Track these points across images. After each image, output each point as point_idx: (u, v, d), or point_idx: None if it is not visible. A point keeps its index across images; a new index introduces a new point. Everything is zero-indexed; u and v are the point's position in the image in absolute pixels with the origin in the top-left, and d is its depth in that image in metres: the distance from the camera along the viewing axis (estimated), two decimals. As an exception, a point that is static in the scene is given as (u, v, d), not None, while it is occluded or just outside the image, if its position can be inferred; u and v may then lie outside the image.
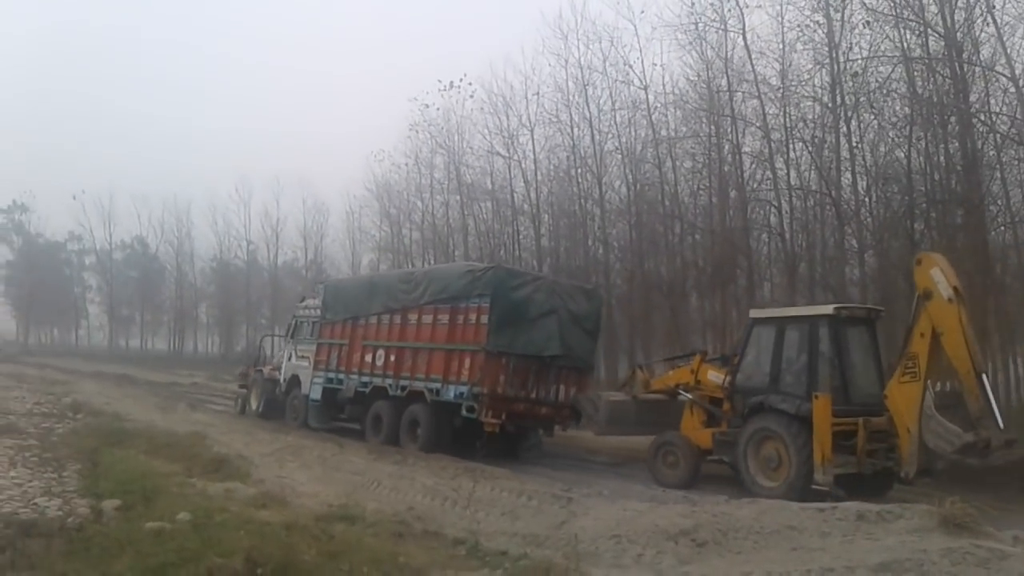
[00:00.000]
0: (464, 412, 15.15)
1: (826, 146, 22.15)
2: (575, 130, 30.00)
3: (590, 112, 29.25)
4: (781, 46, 22.74)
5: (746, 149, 24.74)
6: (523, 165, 33.00)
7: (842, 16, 20.98)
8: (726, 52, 24.23)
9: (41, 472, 11.35)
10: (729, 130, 24.73)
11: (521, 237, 33.89)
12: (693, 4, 24.43)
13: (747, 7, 23.43)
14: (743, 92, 24.28)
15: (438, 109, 36.95)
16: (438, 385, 15.78)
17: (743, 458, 12.09)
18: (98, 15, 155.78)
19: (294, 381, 20.81)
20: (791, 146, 22.96)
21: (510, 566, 7.33)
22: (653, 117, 27.28)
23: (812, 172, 22.77)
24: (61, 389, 28.53)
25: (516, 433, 16.12)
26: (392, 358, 17.16)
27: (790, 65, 22.63)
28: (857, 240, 20.92)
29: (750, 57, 23.56)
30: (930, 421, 10.91)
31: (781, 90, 22.75)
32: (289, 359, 21.43)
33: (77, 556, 6.82)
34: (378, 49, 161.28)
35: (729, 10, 23.79)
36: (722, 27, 24.11)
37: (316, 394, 19.31)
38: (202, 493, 10.46)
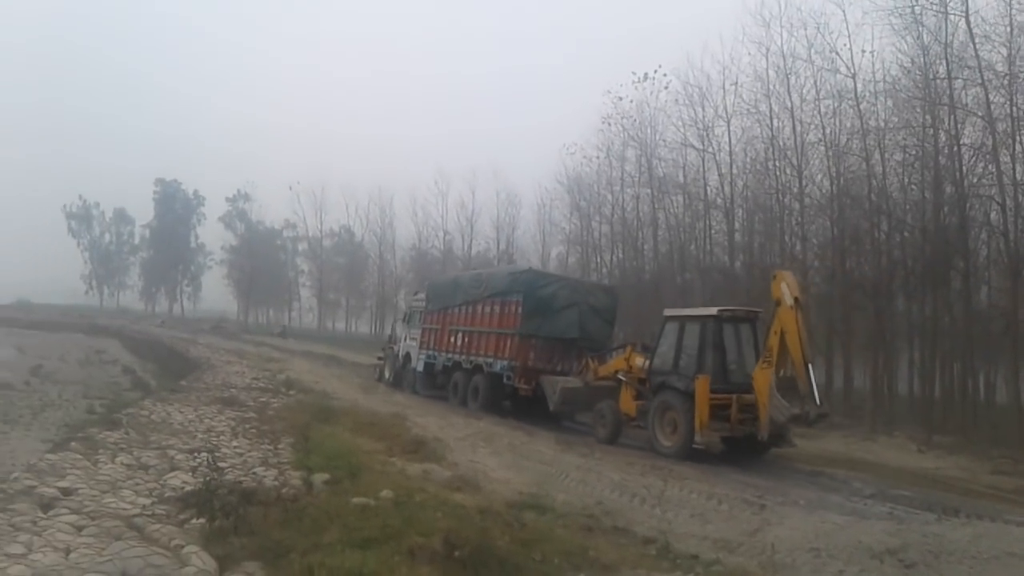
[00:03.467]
0: (505, 380, 20.18)
1: (1061, 138, 20.05)
2: (775, 121, 28.88)
3: (792, 102, 28.03)
4: (1009, 29, 20.79)
5: (965, 141, 22.77)
6: (717, 158, 32.23)
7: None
8: (946, 36, 22.38)
9: (259, 443, 12.25)
10: (947, 120, 22.88)
11: (713, 232, 33.14)
12: (910, -13, 22.84)
13: (971, -12, 21.62)
14: (964, 79, 22.34)
15: (631, 102, 36.84)
16: (491, 359, 20.94)
17: (651, 423, 15.79)
18: (323, 28, 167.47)
19: (408, 357, 26.38)
20: (1018, 138, 20.95)
21: (702, 571, 7.24)
22: (861, 107, 25.67)
23: (1043, 166, 20.70)
24: (276, 366, 30.90)
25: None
26: (465, 340, 22.48)
27: (1019, 50, 20.62)
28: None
29: (973, 41, 21.66)
30: (772, 398, 14.03)
31: (1008, 77, 20.77)
32: (405, 340, 27.04)
33: (291, 525, 7.24)
34: (574, 43, 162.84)
35: (951, -9, 22.04)
36: (942, 10, 22.31)
37: (420, 367, 24.91)
38: (402, 472, 11.04)
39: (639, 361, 16.93)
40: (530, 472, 12.51)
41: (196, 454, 10.34)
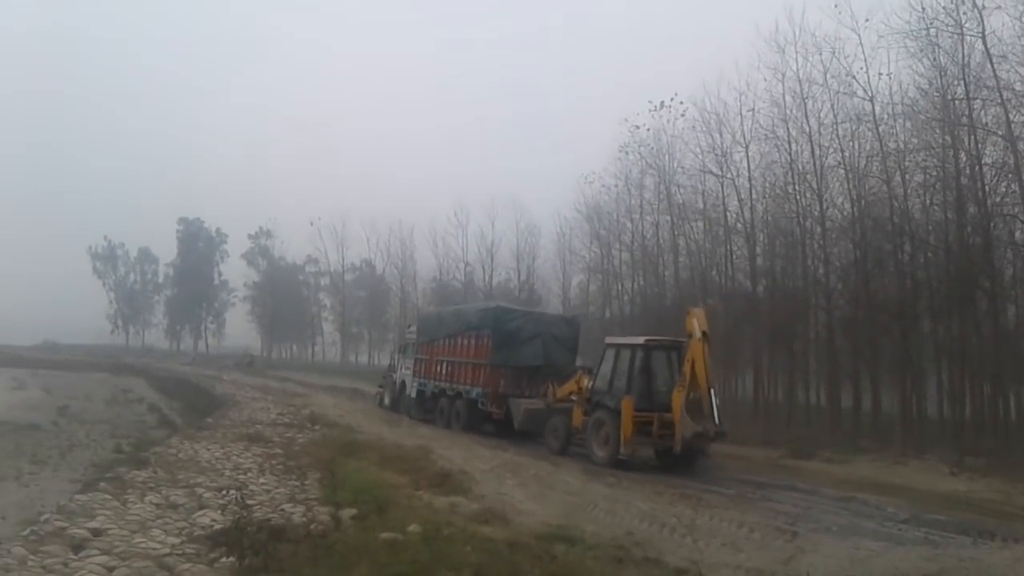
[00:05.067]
0: (479, 405, 22.47)
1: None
2: (793, 145, 28.78)
3: (809, 126, 27.98)
4: (1027, 48, 20.75)
5: (987, 160, 22.67)
6: (736, 183, 32.11)
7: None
8: (962, 57, 22.33)
9: (286, 479, 12.30)
10: (967, 140, 22.80)
11: (735, 257, 32.96)
12: (924, 9, 22.80)
13: (985, 9, 21.57)
14: (983, 99, 22.26)
15: (648, 130, 36.86)
16: (468, 387, 23.33)
17: (589, 436, 18.01)
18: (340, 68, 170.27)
19: (404, 385, 28.93)
20: (1041, 155, 20.81)
21: (737, 601, 7.13)
22: (880, 129, 25.56)
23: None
24: (300, 401, 31.05)
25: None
26: (448, 369, 25.04)
27: (1038, 68, 20.56)
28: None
29: (991, 62, 21.59)
30: (683, 417, 16.11)
31: (1028, 95, 20.72)
32: (401, 369, 29.70)
33: (320, 562, 7.24)
34: (589, 73, 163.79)
35: (965, 13, 22.00)
36: (958, 31, 22.28)
37: (413, 394, 27.49)
38: (429, 506, 11.01)
39: (587, 383, 18.90)
40: (557, 503, 12.44)
41: (224, 492, 10.38)
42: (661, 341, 18.51)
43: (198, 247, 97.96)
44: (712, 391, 16.30)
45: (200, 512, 9.21)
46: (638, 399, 17.02)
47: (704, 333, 16.31)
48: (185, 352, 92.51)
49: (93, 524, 8.24)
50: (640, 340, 18.39)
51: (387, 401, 30.76)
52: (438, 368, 25.65)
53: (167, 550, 7.44)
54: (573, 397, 19.28)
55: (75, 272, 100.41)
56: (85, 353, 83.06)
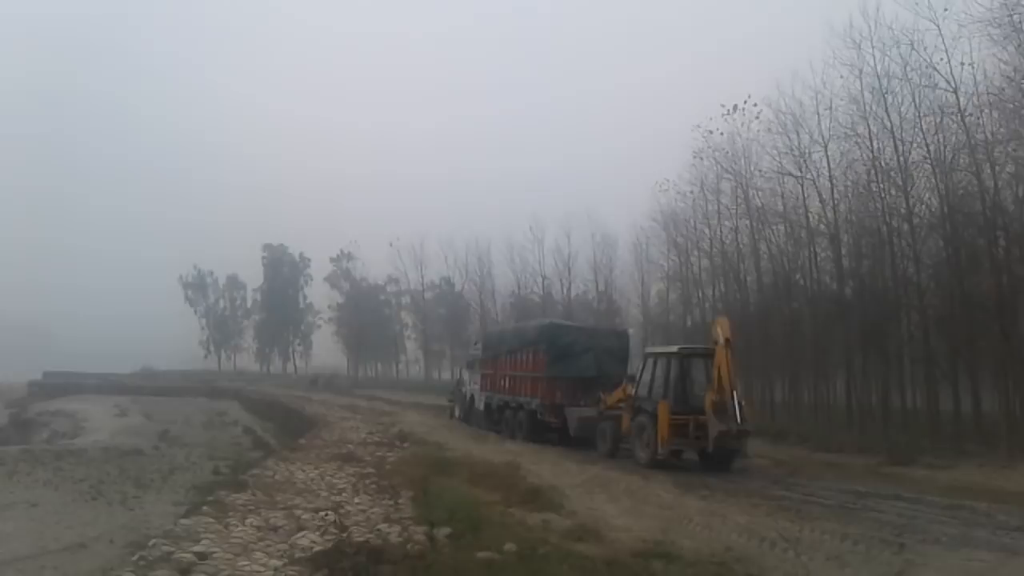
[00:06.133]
0: (539, 416, 23.79)
1: None
2: (874, 142, 27.92)
3: (891, 121, 27.12)
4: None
5: (1082, 146, 21.63)
6: (817, 183, 31.29)
7: None
8: (1050, 41, 21.45)
9: (380, 499, 12.40)
10: (1060, 127, 21.82)
11: (819, 259, 32.11)
12: (1004, -5, 21.97)
13: (1072, -11, 20.67)
14: (1074, 83, 21.32)
15: (722, 134, 36.32)
16: (529, 399, 24.64)
17: (635, 439, 19.28)
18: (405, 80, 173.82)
19: (472, 398, 30.42)
20: None
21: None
22: (966, 120, 24.62)
23: None
24: (388, 419, 31.51)
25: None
26: (510, 382, 26.46)
27: None
28: None
29: (1081, 44, 20.68)
30: (711, 418, 17.19)
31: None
32: (470, 383, 31.17)
33: None
34: (658, 82, 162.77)
35: (1051, -4, 21.12)
36: (1042, 15, 21.39)
37: (481, 406, 29.01)
38: (522, 523, 11.01)
39: (631, 391, 20.01)
40: (651, 518, 12.23)
41: (322, 513, 10.58)
42: (695, 349, 20.05)
43: (283, 272, 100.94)
44: (735, 393, 17.25)
45: (300, 534, 9.37)
46: (674, 403, 18.30)
47: (727, 340, 17.34)
48: (273, 374, 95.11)
49: (198, 548, 8.45)
50: (674, 348, 20.27)
51: (458, 413, 32.42)
52: (502, 382, 27.15)
53: (270, 573, 7.59)
54: (622, 405, 20.29)
55: (169, 300, 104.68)
56: (181, 378, 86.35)
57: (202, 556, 8.22)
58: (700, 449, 18.42)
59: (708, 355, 18.41)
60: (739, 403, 17.20)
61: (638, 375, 20.19)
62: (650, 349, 21.43)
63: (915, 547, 9.43)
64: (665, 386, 19.00)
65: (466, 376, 32.62)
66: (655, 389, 19.21)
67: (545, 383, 23.81)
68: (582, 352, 23.95)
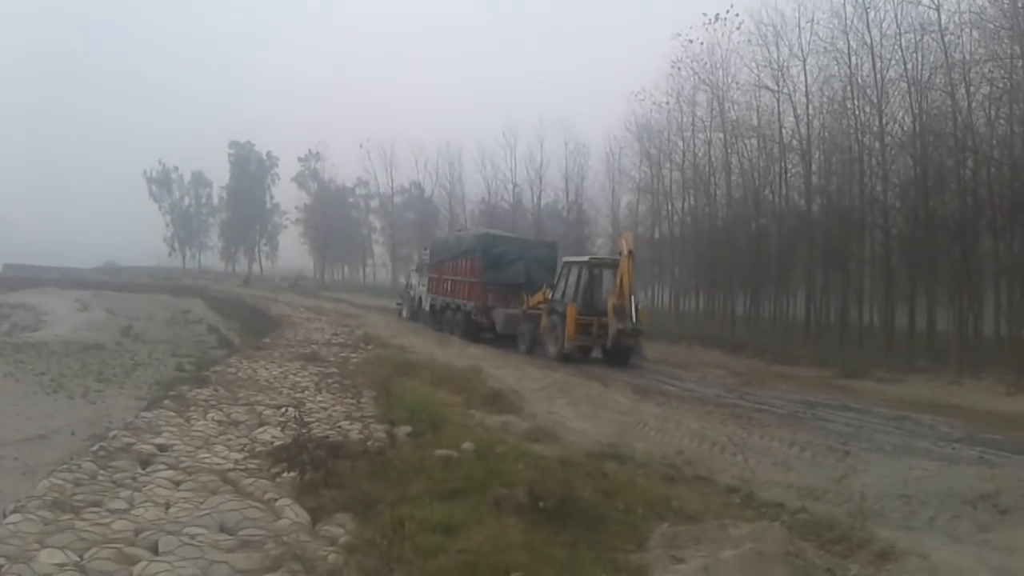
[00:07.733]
0: (472, 317, 26.07)
1: None
2: (853, 58, 27.79)
3: (871, 37, 26.93)
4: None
5: (1059, 70, 21.58)
6: (793, 98, 31.21)
7: None
8: (1036, -40, 21.13)
9: (342, 398, 12.48)
10: (1038, 50, 21.66)
11: (789, 175, 32.25)
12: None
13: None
14: (1057, 5, 21.11)
15: (702, 44, 35.88)
16: (465, 301, 26.78)
17: (547, 336, 21.65)
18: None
19: (420, 300, 33.28)
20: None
21: (788, 519, 7.13)
22: (945, 39, 24.43)
23: None
24: (353, 322, 31.59)
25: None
26: (451, 286, 28.48)
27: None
28: None
29: (1067, -36, 20.39)
30: (611, 318, 19.36)
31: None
32: (418, 286, 33.94)
33: (378, 478, 7.42)
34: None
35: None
36: (1030, -68, 21.02)
37: (427, 307, 31.65)
38: (481, 425, 11.18)
39: (550, 294, 22.24)
40: (608, 422, 12.49)
41: (283, 409, 10.65)
42: (603, 259, 22.95)
43: (250, 170, 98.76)
44: (633, 298, 19.34)
45: (261, 429, 9.45)
46: (581, 306, 20.61)
47: (630, 252, 19.42)
48: (238, 274, 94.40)
49: (159, 440, 8.50)
50: (585, 258, 22.64)
51: (405, 313, 35.72)
52: (445, 286, 29.26)
53: (230, 465, 7.66)
54: (541, 307, 22.57)
55: (133, 195, 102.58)
56: (145, 275, 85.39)
57: (163, 448, 8.27)
58: (602, 346, 20.76)
59: (614, 265, 20.61)
60: (636, 307, 19.42)
61: (555, 281, 22.37)
62: (566, 258, 23.54)
63: (859, 454, 9.74)
64: (576, 291, 21.11)
65: (415, 280, 35.57)
66: (567, 293, 21.37)
67: (479, 288, 25.84)
68: (513, 260, 25.89)
